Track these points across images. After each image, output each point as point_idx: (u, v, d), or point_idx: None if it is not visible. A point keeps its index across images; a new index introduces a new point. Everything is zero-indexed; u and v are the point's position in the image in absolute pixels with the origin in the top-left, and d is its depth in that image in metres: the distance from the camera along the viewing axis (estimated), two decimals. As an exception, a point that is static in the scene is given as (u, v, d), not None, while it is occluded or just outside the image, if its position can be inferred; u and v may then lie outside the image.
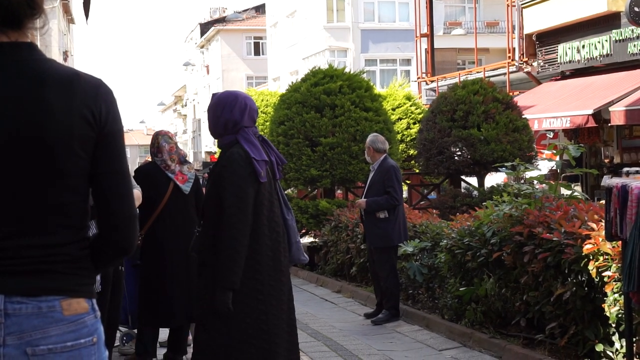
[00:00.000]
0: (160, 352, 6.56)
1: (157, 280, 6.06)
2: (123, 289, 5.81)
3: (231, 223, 3.99)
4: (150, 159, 6.75)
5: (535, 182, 9.30)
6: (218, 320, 4.01)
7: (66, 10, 36.10)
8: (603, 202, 5.47)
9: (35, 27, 2.08)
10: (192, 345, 4.73)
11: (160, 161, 6.14)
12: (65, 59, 33.00)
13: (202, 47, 59.92)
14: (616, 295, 5.42)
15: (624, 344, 5.31)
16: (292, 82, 14.61)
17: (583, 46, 17.79)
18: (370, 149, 8.35)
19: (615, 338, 5.58)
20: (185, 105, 70.61)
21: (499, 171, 12.55)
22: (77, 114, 2.03)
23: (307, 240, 13.18)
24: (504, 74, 20.77)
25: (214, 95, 4.36)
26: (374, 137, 8.44)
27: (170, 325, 6.26)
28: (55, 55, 28.52)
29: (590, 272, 5.61)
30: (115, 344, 6.58)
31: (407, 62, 34.76)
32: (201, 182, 7.48)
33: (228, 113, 4.20)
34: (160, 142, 6.17)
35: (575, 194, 7.71)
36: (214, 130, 4.29)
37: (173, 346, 6.36)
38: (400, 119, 19.58)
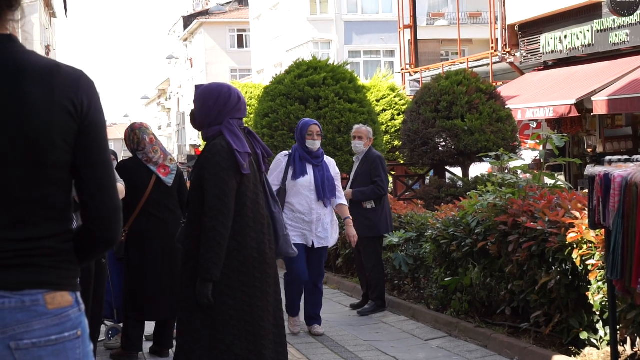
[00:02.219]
0: (146, 345, 6.54)
1: (141, 274, 6.04)
2: (106, 282, 5.78)
3: (212, 215, 3.99)
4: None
5: (519, 171, 9.33)
6: (201, 311, 4.01)
7: (47, 4, 35.83)
8: (586, 191, 5.50)
9: (14, 19, 2.06)
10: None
11: (142, 155, 6.09)
12: (47, 53, 32.75)
13: (185, 40, 59.68)
14: (600, 284, 5.45)
15: (608, 331, 5.35)
16: (276, 75, 14.58)
17: (565, 36, 17.86)
18: (369, 140, 8.25)
19: (599, 326, 5.62)
20: (169, 99, 70.35)
21: (483, 161, 12.60)
22: (58, 105, 2.02)
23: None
24: (487, 64, 20.82)
25: (197, 87, 4.34)
26: (366, 127, 8.35)
27: (155, 319, 6.25)
28: (37, 49, 28.30)
29: (574, 260, 5.64)
30: (101, 339, 6.57)
31: (391, 53, 34.77)
32: (185, 175, 7.45)
33: (213, 103, 4.19)
34: (140, 136, 6.11)
35: (559, 183, 7.75)
36: (199, 121, 4.28)
37: (159, 339, 6.36)
38: (384, 110, 19.58)
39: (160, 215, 6.05)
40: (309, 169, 7.00)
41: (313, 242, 7.01)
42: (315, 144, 7.00)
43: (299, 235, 6.87)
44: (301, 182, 6.95)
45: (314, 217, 6.97)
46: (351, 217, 7.36)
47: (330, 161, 7.26)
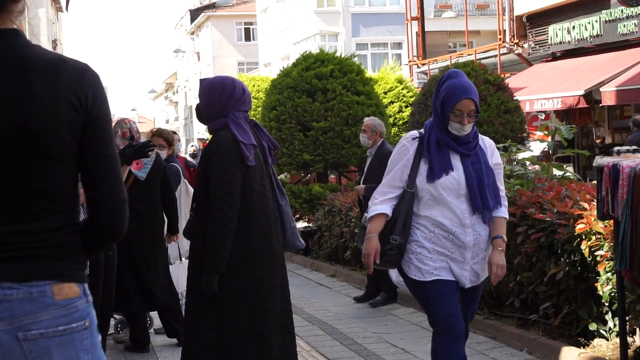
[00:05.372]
0: (156, 338, 6.57)
1: (121, 268, 5.97)
2: (114, 275, 5.78)
3: (217, 206, 3.99)
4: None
5: (527, 163, 9.30)
6: (208, 303, 4.02)
7: (55, -2, 35.85)
8: (595, 182, 5.48)
9: (18, 11, 2.06)
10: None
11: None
12: (54, 48, 32.78)
13: (192, 33, 59.67)
14: (609, 274, 5.44)
15: (617, 322, 5.34)
16: (284, 67, 14.57)
17: (573, 27, 17.78)
18: (376, 132, 8.17)
19: (608, 317, 5.61)
20: (177, 92, 70.39)
21: (491, 153, 12.57)
22: (63, 99, 2.02)
23: (300, 225, 13.19)
24: (495, 56, 20.75)
25: (202, 80, 4.35)
26: (376, 120, 8.27)
27: (142, 311, 6.26)
28: (44, 44, 28.35)
29: (583, 251, 5.63)
30: (110, 332, 6.59)
31: (398, 45, 34.67)
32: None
33: (218, 96, 4.19)
34: (115, 130, 6.08)
35: (568, 174, 7.73)
36: (205, 115, 4.28)
37: (167, 330, 6.43)
38: (392, 102, 19.55)
39: (137, 208, 5.79)
40: (456, 160, 4.17)
41: (465, 280, 4.18)
42: (464, 129, 4.12)
43: (444, 268, 4.13)
44: (444, 183, 4.11)
45: (469, 240, 4.12)
46: (505, 238, 4.31)
47: (487, 144, 4.30)
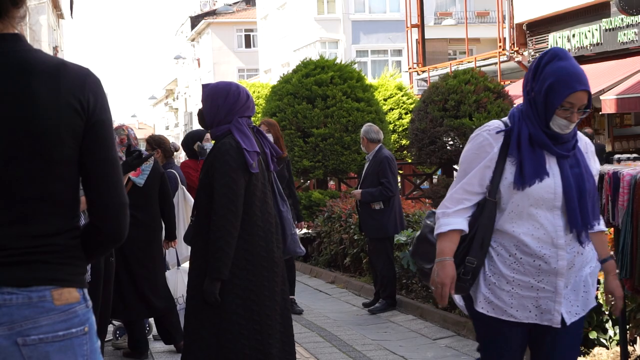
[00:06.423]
0: (155, 345, 6.55)
1: (119, 274, 5.95)
2: (113, 281, 5.76)
3: (221, 214, 3.99)
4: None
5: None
6: (209, 310, 4.01)
7: (55, 5, 35.92)
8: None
9: (20, 16, 2.06)
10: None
11: None
12: (55, 54, 32.82)
13: (192, 40, 59.75)
14: (609, 282, 5.41)
15: (617, 331, 5.33)
16: (284, 74, 14.59)
17: (573, 35, 17.80)
18: (364, 140, 8.36)
19: (608, 325, 5.59)
20: (177, 99, 70.44)
21: (491, 160, 12.57)
22: (65, 103, 2.02)
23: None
24: (495, 63, 20.78)
25: (205, 86, 4.33)
26: (368, 127, 8.44)
27: (140, 318, 6.24)
28: (45, 50, 28.35)
29: (583, 259, 5.60)
30: (108, 338, 6.58)
31: (398, 52, 34.73)
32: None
33: (222, 102, 4.18)
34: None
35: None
36: (208, 120, 4.27)
37: (165, 337, 6.40)
38: (392, 109, 19.57)
39: (134, 214, 5.81)
40: (551, 163, 3.24)
41: (558, 316, 3.23)
42: (569, 127, 3.21)
43: (523, 307, 3.22)
44: (536, 192, 3.19)
45: (562, 264, 3.19)
46: (614, 257, 3.73)
47: (586, 144, 3.40)
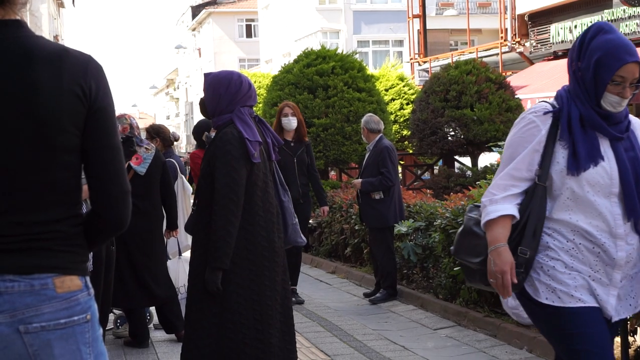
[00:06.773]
0: (156, 334, 6.56)
1: (120, 263, 5.96)
2: (114, 269, 5.76)
3: (223, 203, 3.98)
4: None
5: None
6: (210, 300, 4.01)
7: (56, -7, 35.85)
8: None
9: (21, 2, 2.06)
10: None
11: None
12: (55, 43, 32.75)
13: (193, 29, 59.64)
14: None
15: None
16: (285, 64, 14.56)
17: (575, 26, 17.77)
18: (364, 130, 8.38)
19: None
20: (178, 89, 70.39)
21: (493, 151, 12.58)
22: (67, 89, 2.01)
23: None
24: (497, 54, 20.75)
25: (206, 75, 4.32)
26: (368, 117, 8.46)
27: (141, 306, 6.25)
28: (46, 38, 28.31)
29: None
30: (109, 327, 6.59)
31: (400, 43, 34.67)
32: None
33: (224, 91, 4.16)
34: None
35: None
36: (210, 110, 4.25)
37: (166, 326, 6.41)
38: (393, 99, 19.54)
39: (136, 203, 5.82)
40: (605, 146, 3.03)
41: (611, 309, 3.00)
42: (621, 103, 3.03)
43: (585, 289, 2.98)
44: (592, 177, 2.97)
45: (621, 256, 2.98)
46: None
47: (638, 126, 3.19)
